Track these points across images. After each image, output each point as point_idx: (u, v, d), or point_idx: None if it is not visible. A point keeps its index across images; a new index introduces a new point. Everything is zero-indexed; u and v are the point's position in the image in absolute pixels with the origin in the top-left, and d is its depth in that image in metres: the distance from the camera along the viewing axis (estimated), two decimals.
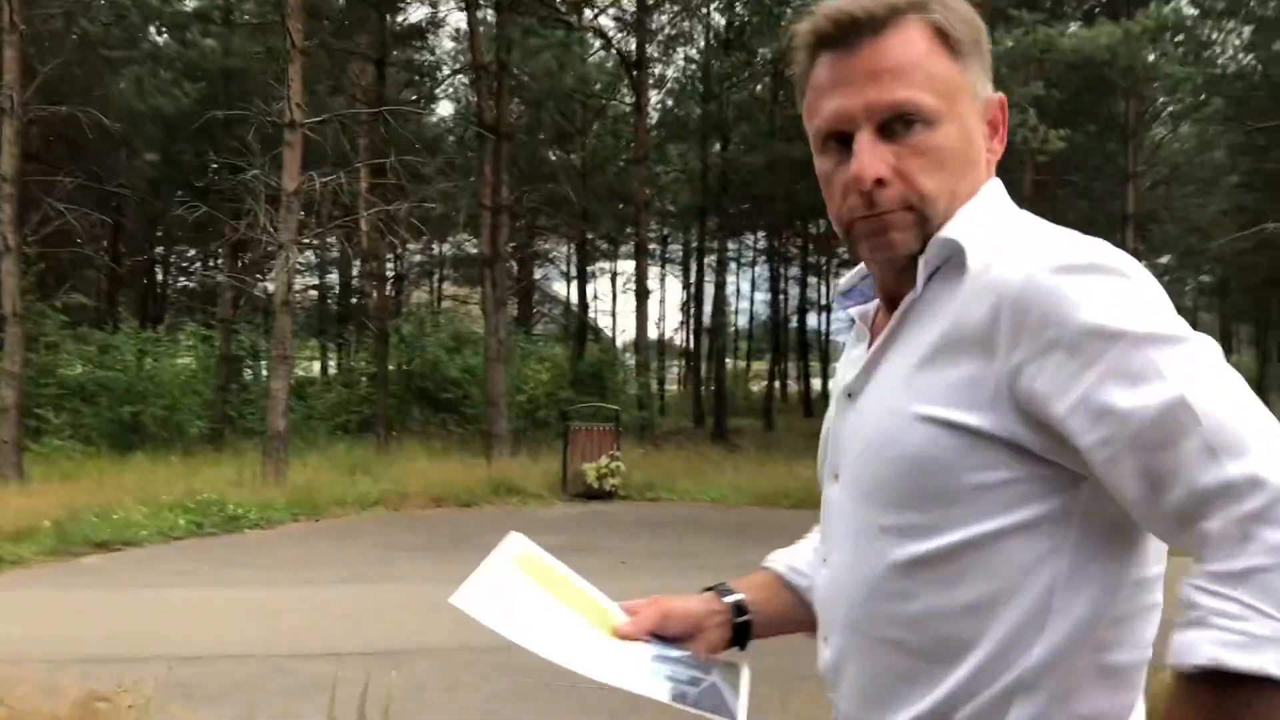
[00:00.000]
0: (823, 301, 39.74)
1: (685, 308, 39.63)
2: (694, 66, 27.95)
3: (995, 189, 1.23)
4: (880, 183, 1.15)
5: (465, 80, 26.67)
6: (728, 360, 34.45)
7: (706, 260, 30.88)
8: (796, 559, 1.51)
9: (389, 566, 9.96)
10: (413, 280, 37.41)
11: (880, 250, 1.19)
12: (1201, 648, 0.94)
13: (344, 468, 15.72)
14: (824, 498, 1.31)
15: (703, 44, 27.20)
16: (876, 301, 1.31)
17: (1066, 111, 18.86)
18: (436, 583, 9.16)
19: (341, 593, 8.81)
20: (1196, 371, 1.00)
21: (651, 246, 32.74)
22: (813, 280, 38.39)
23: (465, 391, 23.49)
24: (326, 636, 7.24)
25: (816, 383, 37.43)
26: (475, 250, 32.83)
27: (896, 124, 1.15)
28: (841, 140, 1.19)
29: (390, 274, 25.55)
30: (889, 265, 1.21)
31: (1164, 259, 33.59)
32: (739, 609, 1.44)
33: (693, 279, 35.65)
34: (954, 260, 1.15)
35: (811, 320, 38.85)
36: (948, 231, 1.16)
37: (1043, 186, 20.48)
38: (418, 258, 37.37)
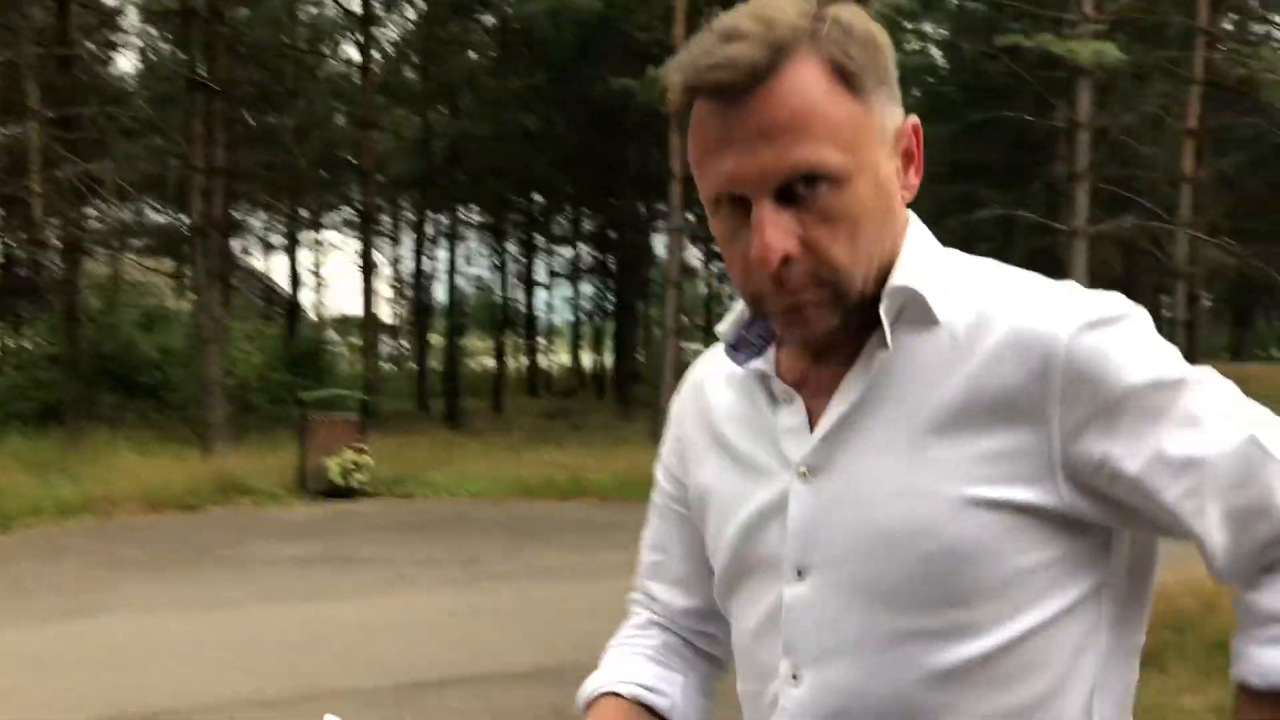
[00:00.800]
0: (542, 279, 39.13)
1: (399, 283, 38.01)
2: (416, 28, 26.36)
3: (921, 228, 1.11)
4: (787, 259, 0.99)
5: (158, 29, 24.00)
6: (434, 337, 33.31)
7: (429, 233, 29.43)
8: (638, 674, 1.26)
9: (113, 592, 8.38)
10: (89, 250, 33.56)
11: (796, 330, 1.05)
12: None
13: (32, 467, 13.46)
14: (773, 600, 1.10)
15: (425, 6, 25.71)
16: (771, 351, 1.15)
17: None
18: (178, 610, 7.84)
19: (60, 634, 7.21)
20: (1245, 406, 1.02)
21: (358, 219, 31.03)
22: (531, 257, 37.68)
23: (165, 376, 21.16)
24: (47, 697, 5.78)
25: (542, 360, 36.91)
26: (166, 218, 29.87)
27: (798, 185, 0.99)
28: (737, 201, 1.01)
29: (68, 243, 22.56)
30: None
31: None
32: None
33: (402, 252, 34.21)
34: (911, 310, 1.05)
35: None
36: (902, 280, 1.04)
37: None
38: (96, 225, 33.54)
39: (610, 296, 35.08)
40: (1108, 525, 1.02)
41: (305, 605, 7.91)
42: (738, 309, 1.17)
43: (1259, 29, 26.53)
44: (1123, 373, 0.98)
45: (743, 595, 1.15)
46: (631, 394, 27.02)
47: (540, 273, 36.51)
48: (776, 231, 0.98)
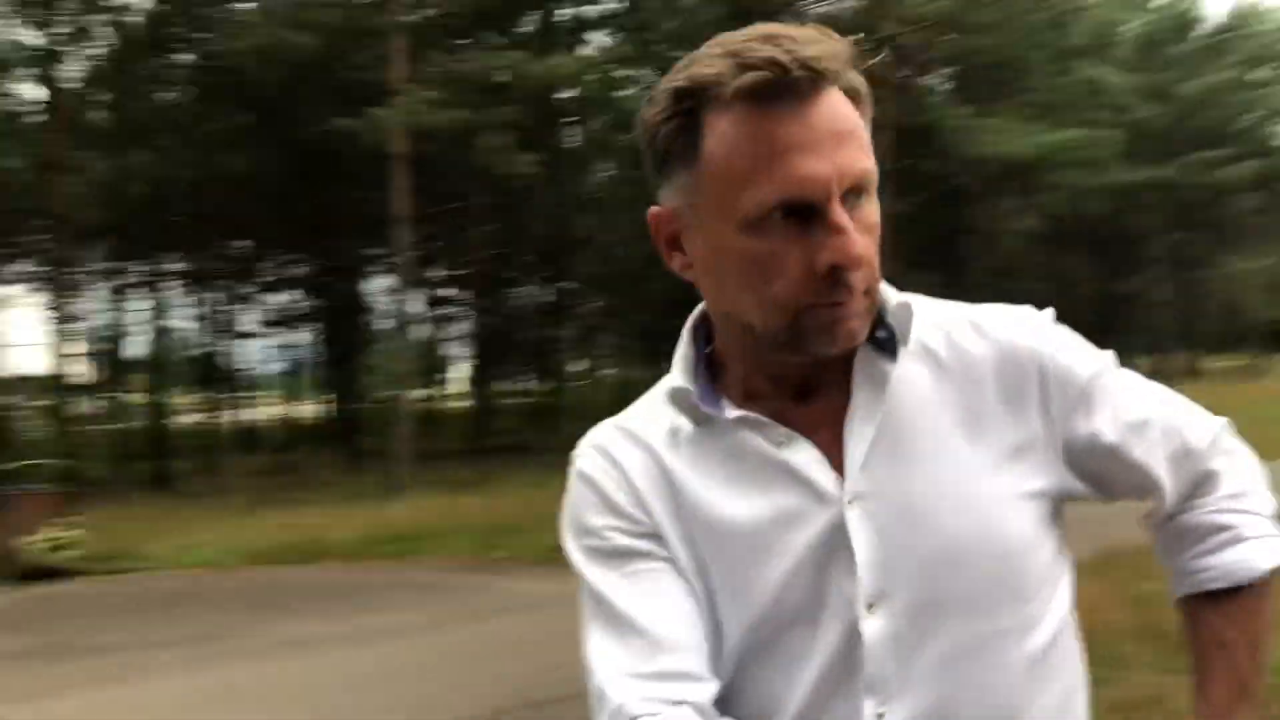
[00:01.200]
0: (244, 330, 36.98)
1: (90, 338, 35.02)
2: (106, 65, 24.45)
3: None
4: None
5: None
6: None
7: (125, 283, 27.27)
8: None
9: None
10: None
11: (836, 342, 1.03)
12: (1259, 558, 1.15)
13: None
14: (835, 643, 1.05)
15: (117, 41, 23.93)
16: (725, 401, 1.11)
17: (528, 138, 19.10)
18: None
19: None
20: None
21: (34, 269, 28.42)
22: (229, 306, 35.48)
23: None
24: None
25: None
26: None
27: (850, 196, 1.00)
28: (790, 211, 0.99)
29: None
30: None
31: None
32: None
33: (93, 304, 31.56)
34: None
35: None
36: (902, 297, 1.10)
37: (507, 209, 20.67)
38: None
39: (325, 345, 33.74)
40: (1082, 497, 1.14)
41: (21, 708, 6.99)
42: (679, 365, 1.13)
43: (930, 81, 29.12)
44: (1083, 363, 1.13)
45: (788, 650, 1.07)
46: (357, 445, 26.04)
47: (248, 322, 34.63)
48: (856, 234, 0.99)
